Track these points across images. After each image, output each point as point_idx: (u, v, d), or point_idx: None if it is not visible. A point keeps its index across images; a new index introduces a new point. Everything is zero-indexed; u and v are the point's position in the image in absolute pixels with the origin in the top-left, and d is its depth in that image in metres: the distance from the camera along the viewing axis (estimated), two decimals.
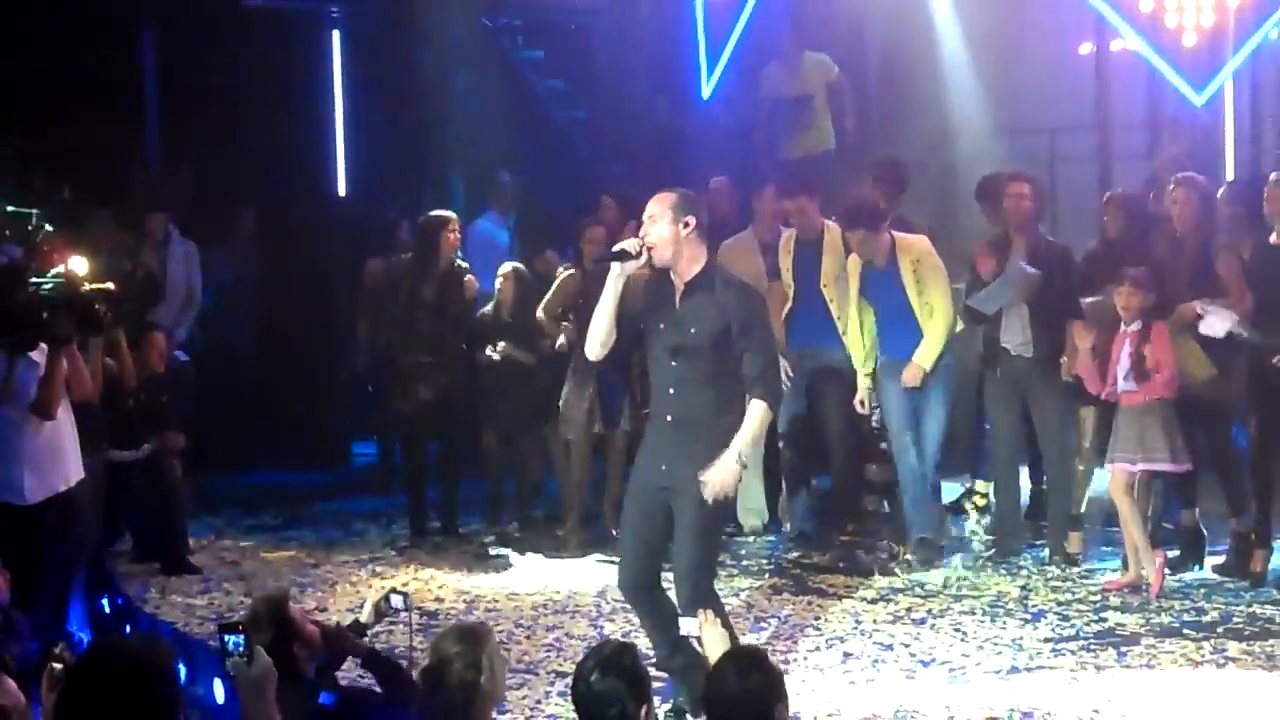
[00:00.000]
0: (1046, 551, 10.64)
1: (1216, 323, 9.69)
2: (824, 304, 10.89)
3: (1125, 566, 10.01)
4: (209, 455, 12.47)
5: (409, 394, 11.82)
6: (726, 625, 7.36)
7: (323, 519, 12.69)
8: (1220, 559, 10.18)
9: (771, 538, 11.46)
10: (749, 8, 14.35)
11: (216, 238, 13.50)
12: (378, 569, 11.03)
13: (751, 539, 11.42)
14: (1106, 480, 10.21)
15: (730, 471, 7.38)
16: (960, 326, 10.71)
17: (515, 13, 15.06)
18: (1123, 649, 8.73)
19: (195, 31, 13.61)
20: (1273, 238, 9.87)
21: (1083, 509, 10.70)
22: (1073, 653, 8.71)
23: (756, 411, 7.47)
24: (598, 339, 7.64)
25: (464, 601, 10.09)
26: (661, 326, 7.58)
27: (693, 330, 7.48)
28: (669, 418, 7.58)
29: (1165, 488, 10.27)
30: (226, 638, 4.99)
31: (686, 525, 7.47)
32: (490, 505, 12.13)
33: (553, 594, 10.25)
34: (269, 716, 5.02)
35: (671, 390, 7.57)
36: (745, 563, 10.86)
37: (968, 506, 11.73)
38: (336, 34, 14.81)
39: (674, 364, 7.54)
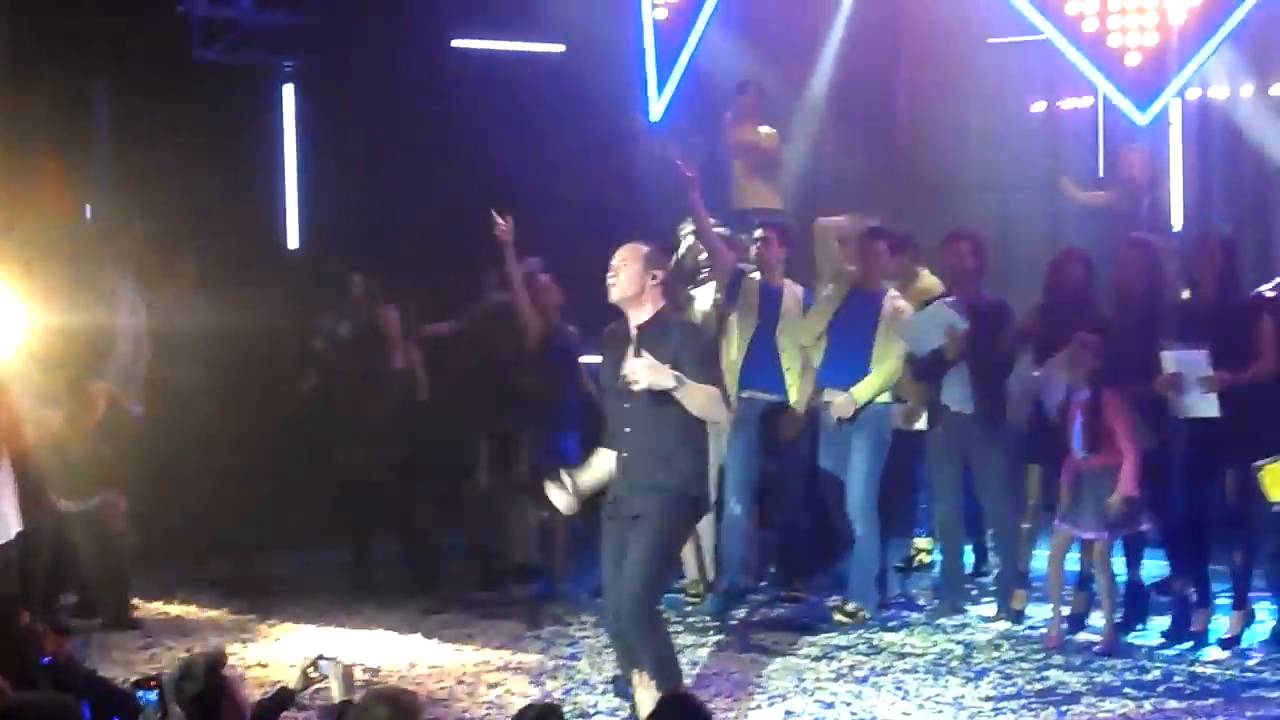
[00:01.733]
0: (992, 609, 10.63)
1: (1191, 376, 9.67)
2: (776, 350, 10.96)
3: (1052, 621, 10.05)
4: (155, 508, 12.41)
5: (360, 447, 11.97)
6: (671, 656, 7.91)
7: (270, 574, 12.61)
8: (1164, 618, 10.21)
9: (717, 596, 11.43)
10: (697, 30, 14.35)
11: (160, 283, 13.43)
12: (322, 624, 10.97)
13: (696, 597, 11.39)
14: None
15: (661, 373, 7.63)
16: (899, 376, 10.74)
17: (464, 62, 15.04)
18: (1063, 707, 8.72)
19: (146, 84, 13.57)
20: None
21: (1027, 566, 10.68)
22: (1014, 711, 8.69)
23: (711, 388, 7.83)
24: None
25: (406, 659, 10.03)
26: (616, 370, 7.84)
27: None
28: (624, 454, 7.92)
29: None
30: (140, 693, 4.97)
31: (637, 546, 7.80)
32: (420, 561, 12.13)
33: (495, 651, 10.20)
34: None
35: (628, 429, 7.91)
36: (690, 619, 10.83)
37: (913, 564, 11.74)
38: (289, 88, 14.80)
39: (629, 405, 7.84)
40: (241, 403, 13.91)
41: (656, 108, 14.59)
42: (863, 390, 10.57)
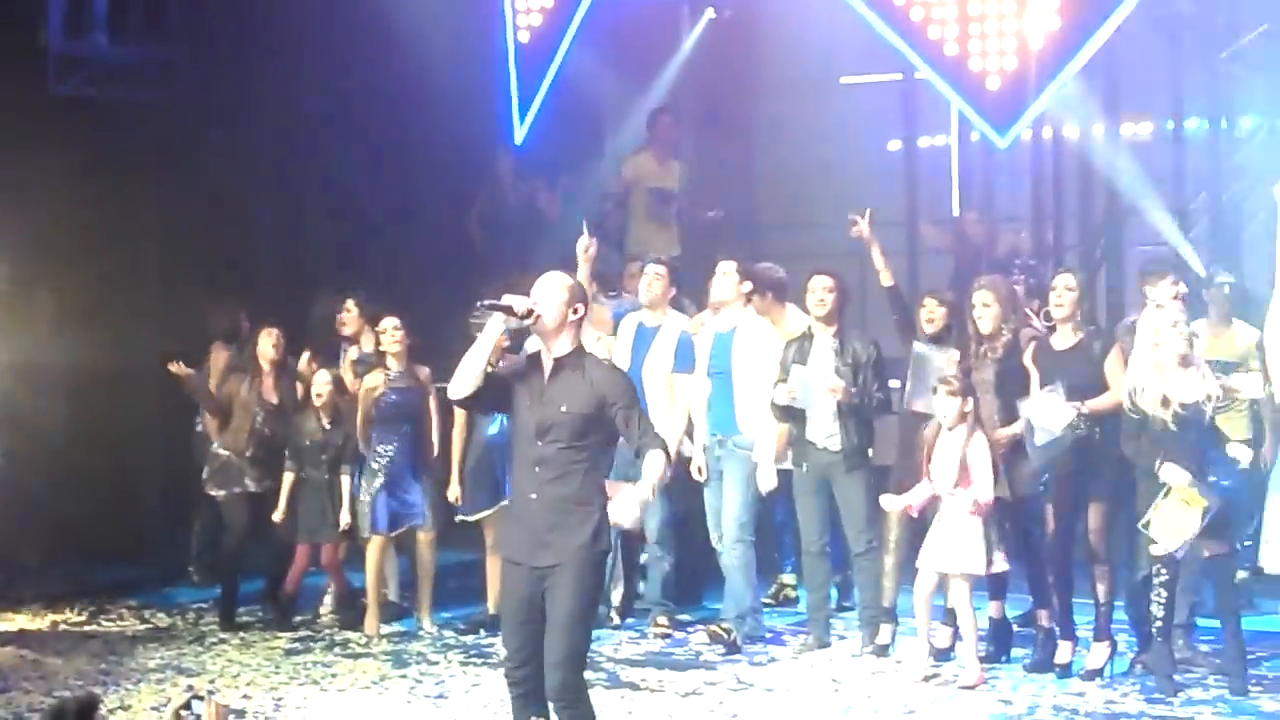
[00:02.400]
0: (857, 644, 10.71)
1: (1053, 415, 9.77)
2: None
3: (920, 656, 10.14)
4: (11, 548, 12.24)
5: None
6: (589, 709, 7.48)
7: (128, 615, 12.45)
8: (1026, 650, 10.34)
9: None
10: (561, 52, 14.40)
11: (14, 322, 13.25)
12: (185, 665, 10.83)
13: None
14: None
15: (639, 502, 7.40)
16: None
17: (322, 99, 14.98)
18: None
19: (3, 117, 13.38)
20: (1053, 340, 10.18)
21: (891, 601, 10.76)
22: None
23: (657, 458, 7.44)
24: (463, 381, 7.54)
25: (272, 699, 9.93)
26: (528, 404, 7.53)
27: (563, 408, 7.46)
28: (533, 496, 7.51)
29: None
30: None
31: (560, 611, 7.40)
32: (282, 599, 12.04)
33: (361, 690, 10.13)
34: None
35: (537, 469, 7.50)
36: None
37: (779, 599, 11.82)
38: (146, 121, 14.62)
39: (539, 443, 7.47)
40: (100, 441, 13.78)
41: (520, 131, 14.62)
42: (771, 449, 10.83)
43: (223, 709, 6.84)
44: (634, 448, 7.51)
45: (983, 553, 9.83)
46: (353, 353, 12.33)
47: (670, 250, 13.88)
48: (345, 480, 11.80)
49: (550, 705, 7.45)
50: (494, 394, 7.65)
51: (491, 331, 7.53)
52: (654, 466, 7.44)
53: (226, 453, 12.07)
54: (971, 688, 9.76)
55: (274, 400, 12.11)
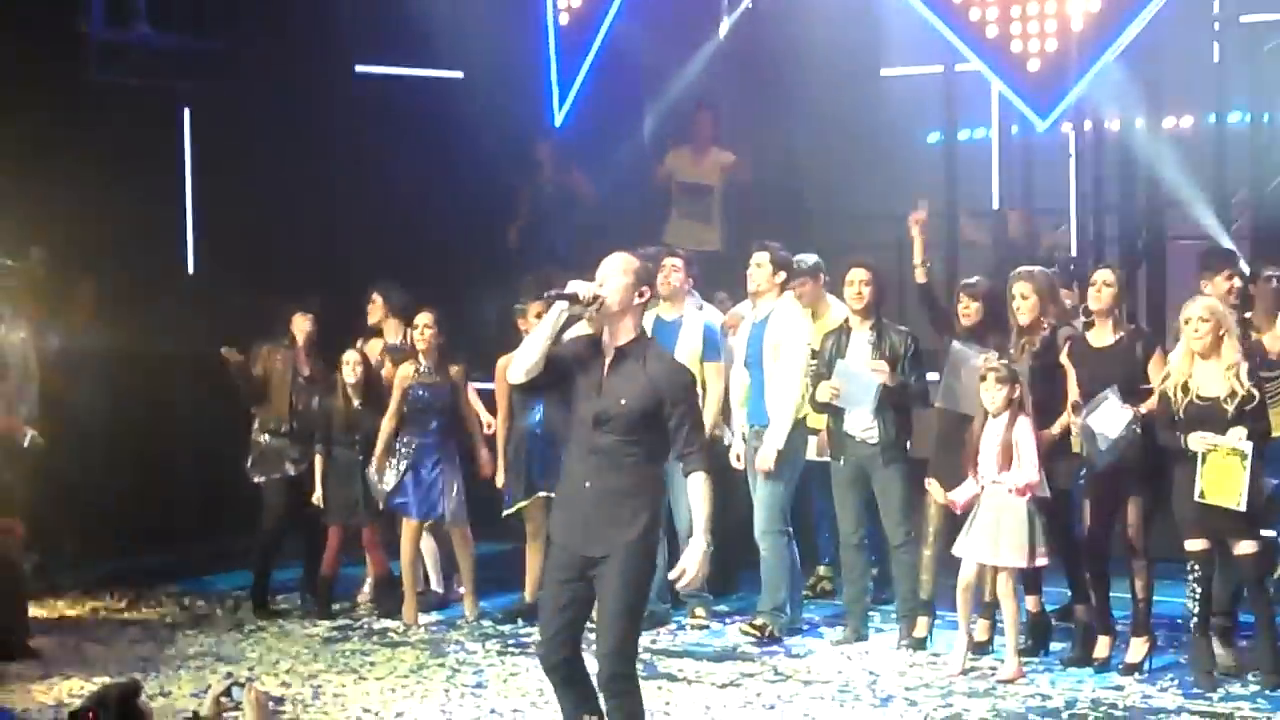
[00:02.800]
0: (894, 636, 10.71)
1: (1111, 421, 9.73)
2: None
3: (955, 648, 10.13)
4: (51, 535, 12.29)
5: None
6: (636, 707, 7.42)
7: (168, 602, 12.51)
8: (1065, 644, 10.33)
9: None
10: (601, 35, 14.43)
11: (55, 309, 13.30)
12: (224, 652, 10.89)
13: None
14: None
15: (702, 555, 7.29)
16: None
17: (365, 88, 15.01)
18: None
19: (44, 105, 13.44)
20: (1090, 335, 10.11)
21: (929, 594, 10.75)
22: None
23: (704, 486, 7.35)
24: (524, 366, 7.45)
25: (310, 687, 9.96)
26: (587, 392, 7.41)
27: (622, 401, 7.33)
28: (587, 484, 7.41)
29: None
30: None
31: (611, 602, 7.32)
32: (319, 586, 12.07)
33: (400, 679, 10.16)
34: None
35: (593, 457, 7.40)
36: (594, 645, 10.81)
37: (816, 591, 11.82)
38: (187, 110, 14.70)
39: (597, 431, 7.36)
40: (140, 428, 13.83)
41: (560, 114, 14.65)
42: (778, 435, 10.72)
43: (263, 695, 6.87)
44: (678, 455, 7.41)
45: (1027, 544, 9.81)
46: (374, 345, 12.34)
47: (708, 245, 13.89)
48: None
49: (600, 696, 7.41)
50: (554, 378, 7.52)
51: (553, 317, 7.41)
52: (701, 501, 7.36)
53: (267, 438, 12.11)
54: (1010, 681, 9.74)
55: (307, 372, 12.15)
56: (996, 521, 9.86)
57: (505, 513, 11.56)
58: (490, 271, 14.21)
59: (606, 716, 7.43)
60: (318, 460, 11.87)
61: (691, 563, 7.31)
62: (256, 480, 12.14)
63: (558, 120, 14.72)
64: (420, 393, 11.62)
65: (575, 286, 7.40)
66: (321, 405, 11.93)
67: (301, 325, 12.18)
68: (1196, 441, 9.32)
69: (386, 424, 11.63)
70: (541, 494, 11.29)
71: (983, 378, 9.96)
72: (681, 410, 7.37)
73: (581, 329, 8.07)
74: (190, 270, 14.89)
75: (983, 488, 9.91)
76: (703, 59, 14.92)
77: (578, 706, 7.52)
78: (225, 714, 7.04)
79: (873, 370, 10.46)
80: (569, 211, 14.62)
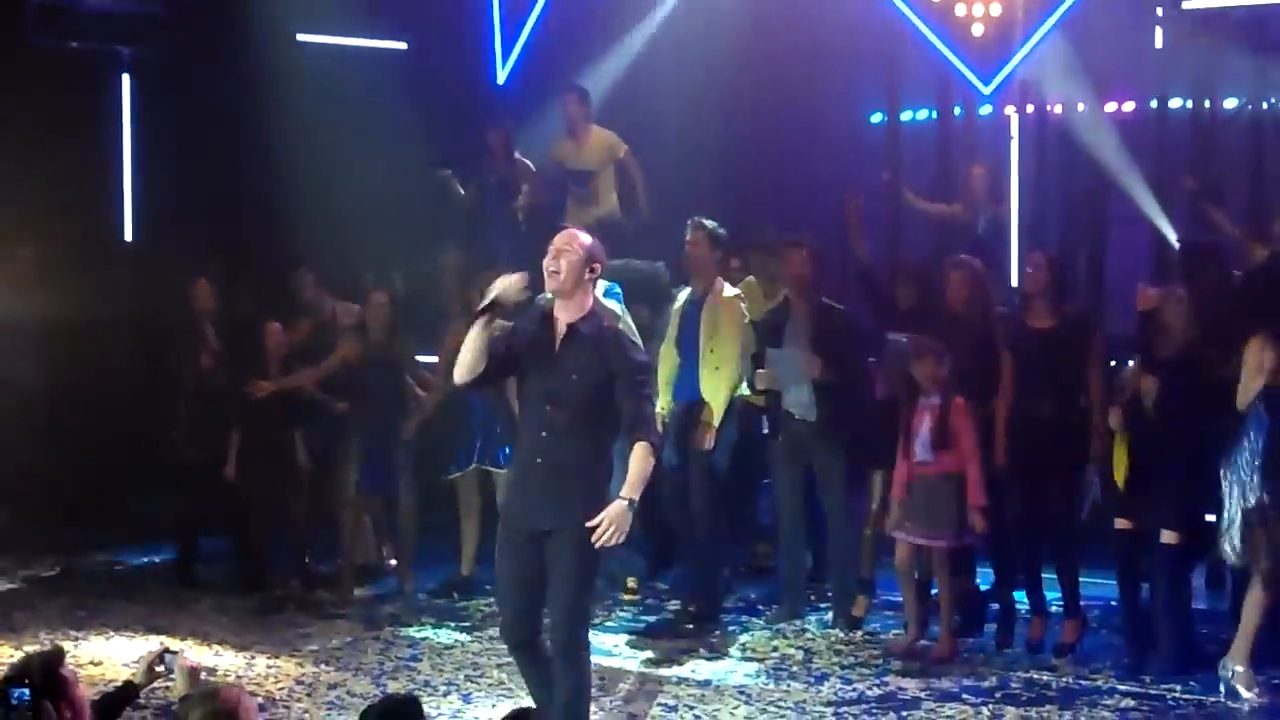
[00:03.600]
0: (830, 614, 10.72)
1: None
2: None
3: (907, 630, 10.12)
4: None
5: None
6: (586, 691, 7.50)
7: (99, 570, 12.42)
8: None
9: None
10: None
11: None
12: (156, 623, 10.82)
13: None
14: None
15: (623, 514, 7.22)
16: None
17: (307, 57, 14.89)
18: (903, 712, 8.83)
19: None
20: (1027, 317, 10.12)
21: (868, 573, 10.75)
22: (855, 716, 8.80)
23: (641, 453, 7.31)
24: (465, 371, 7.47)
25: (244, 659, 9.91)
26: (539, 370, 7.45)
27: (574, 376, 7.37)
28: (539, 460, 7.44)
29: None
30: (12, 690, 4.87)
31: (563, 571, 7.35)
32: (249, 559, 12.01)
33: (334, 651, 10.11)
34: None
35: (544, 434, 7.43)
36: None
37: (753, 568, 11.82)
38: (127, 77, 14.56)
39: (549, 408, 7.40)
40: (76, 396, 13.72)
41: (502, 73, 14.57)
42: (716, 415, 10.68)
43: (195, 664, 6.79)
44: (626, 429, 7.40)
45: (958, 523, 9.84)
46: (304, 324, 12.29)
47: (603, 214, 13.81)
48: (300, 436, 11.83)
49: (554, 663, 7.46)
50: (501, 370, 7.60)
51: (480, 327, 7.40)
52: (637, 464, 7.32)
53: (196, 412, 12.01)
54: (944, 660, 9.77)
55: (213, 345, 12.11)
56: (929, 501, 9.88)
57: (446, 478, 11.57)
58: (427, 246, 14.11)
59: (556, 684, 7.46)
60: (234, 436, 11.78)
61: (611, 515, 7.20)
62: (182, 451, 12.03)
63: (500, 78, 14.64)
64: (368, 369, 11.57)
65: (497, 291, 7.42)
66: (242, 381, 11.84)
67: (203, 296, 12.10)
68: (1113, 419, 9.42)
69: (308, 382, 11.60)
70: (478, 466, 11.30)
71: (916, 357, 9.97)
72: (628, 383, 7.37)
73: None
74: (128, 238, 14.74)
75: (915, 468, 9.92)
76: (642, 38, 14.84)
77: (543, 683, 7.56)
78: (158, 682, 6.95)
79: (807, 368, 10.43)
80: (510, 203, 14.49)
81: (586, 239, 7.53)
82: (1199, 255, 10.45)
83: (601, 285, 10.81)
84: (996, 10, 12.61)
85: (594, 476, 7.44)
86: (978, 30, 12.68)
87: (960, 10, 12.73)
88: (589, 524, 7.22)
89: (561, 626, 7.39)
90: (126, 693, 6.82)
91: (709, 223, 10.96)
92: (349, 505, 11.71)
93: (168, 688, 7.21)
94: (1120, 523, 9.49)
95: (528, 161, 14.09)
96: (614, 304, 10.42)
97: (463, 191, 14.20)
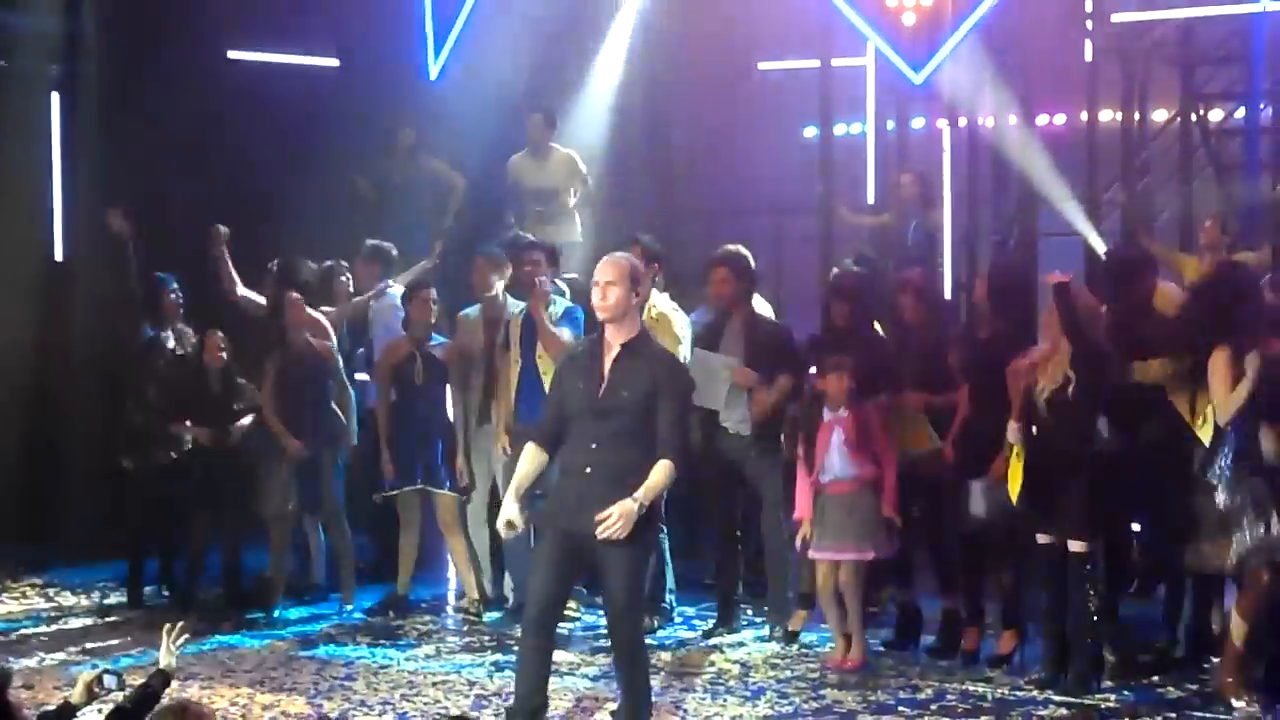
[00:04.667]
0: (766, 629, 10.72)
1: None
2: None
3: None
4: None
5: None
6: (648, 678, 8.10)
7: (32, 593, 12.33)
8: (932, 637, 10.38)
9: (497, 614, 11.40)
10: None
11: None
12: (89, 645, 10.74)
13: (475, 615, 11.38)
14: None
15: (630, 512, 7.57)
16: None
17: (238, 74, 14.82)
18: None
19: None
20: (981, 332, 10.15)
21: (808, 587, 10.65)
22: None
23: (663, 468, 7.72)
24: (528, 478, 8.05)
25: (177, 681, 9.79)
26: (590, 388, 7.82)
27: (624, 393, 7.75)
28: (589, 470, 7.79)
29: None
30: None
31: (619, 568, 7.75)
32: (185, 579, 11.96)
33: (269, 671, 10.06)
34: None
35: (594, 445, 7.80)
36: (466, 639, 10.79)
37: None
38: (55, 95, 14.45)
39: (600, 422, 7.78)
40: (10, 415, 13.61)
41: (434, 68, 14.55)
42: None
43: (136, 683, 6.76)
44: (658, 444, 7.75)
45: (879, 533, 9.88)
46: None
47: (570, 239, 13.83)
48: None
49: (618, 664, 8.08)
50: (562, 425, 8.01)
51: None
52: (659, 477, 7.71)
53: (139, 419, 11.92)
54: (855, 668, 9.82)
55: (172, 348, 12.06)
56: (847, 515, 9.91)
57: (380, 495, 11.54)
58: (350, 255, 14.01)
59: (623, 684, 8.05)
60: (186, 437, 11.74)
61: (620, 509, 7.57)
62: (125, 465, 11.95)
63: (432, 74, 14.60)
64: (294, 372, 11.58)
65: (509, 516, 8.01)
66: (187, 385, 11.79)
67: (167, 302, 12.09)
68: (1011, 433, 9.45)
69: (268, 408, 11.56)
70: (419, 486, 11.29)
71: (822, 374, 10.00)
72: (671, 405, 7.78)
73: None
74: (59, 257, 14.62)
75: (829, 485, 9.94)
76: (579, 41, 14.83)
77: (542, 679, 7.96)
78: (96, 701, 6.91)
79: (724, 369, 10.44)
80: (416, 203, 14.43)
81: (626, 263, 7.92)
82: (1129, 265, 10.45)
83: (561, 304, 10.90)
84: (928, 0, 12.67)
85: (639, 483, 7.72)
86: (908, 20, 12.74)
87: (891, 1, 12.79)
88: (598, 517, 7.58)
89: (623, 629, 7.88)
90: (63, 712, 6.78)
91: (644, 236, 11.03)
92: (278, 520, 11.65)
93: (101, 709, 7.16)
94: (1040, 537, 9.48)
95: (436, 161, 14.17)
96: (566, 331, 10.48)
97: (368, 194, 14.25)
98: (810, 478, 10.00)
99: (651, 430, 7.76)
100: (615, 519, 7.56)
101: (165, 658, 6.86)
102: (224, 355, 11.66)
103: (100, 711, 7.19)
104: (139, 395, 11.91)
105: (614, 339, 7.85)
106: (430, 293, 11.51)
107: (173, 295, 12.15)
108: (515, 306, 11.29)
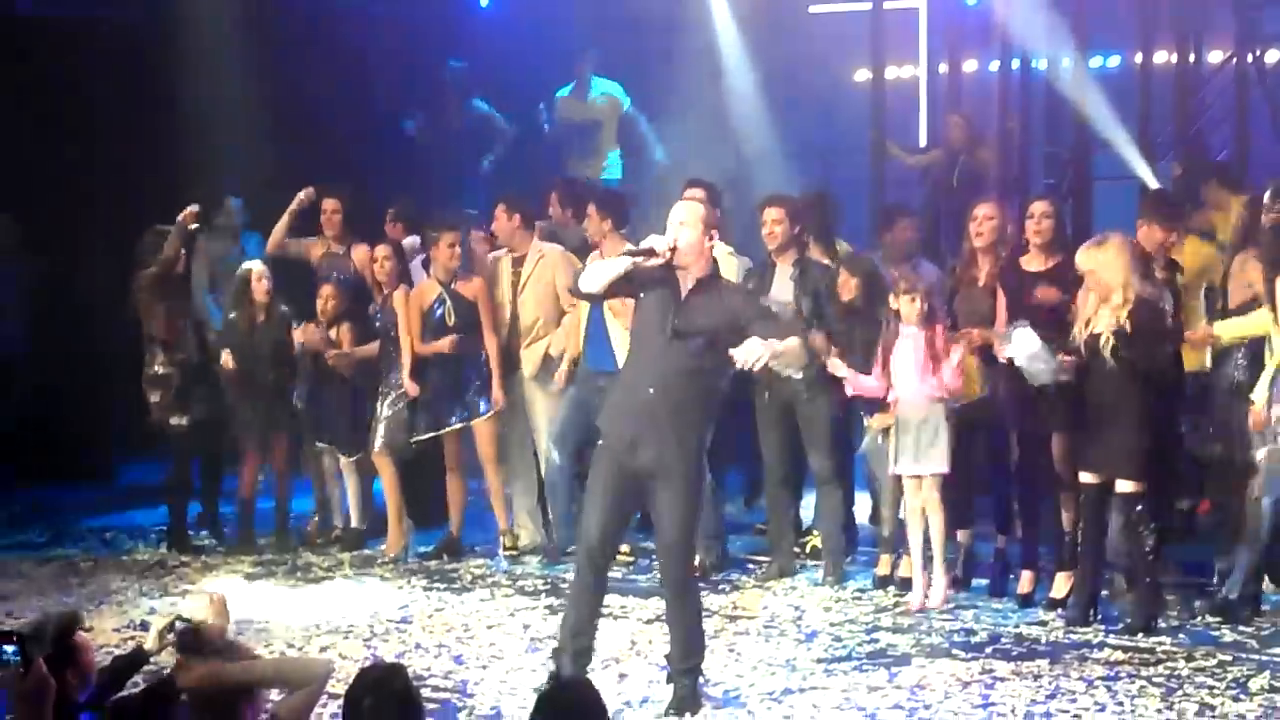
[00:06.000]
0: (820, 573, 10.73)
1: (1020, 346, 9.69)
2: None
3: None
4: None
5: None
6: (699, 605, 8.26)
7: (89, 535, 12.42)
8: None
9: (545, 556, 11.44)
10: None
11: None
12: (144, 587, 10.82)
13: (527, 558, 11.42)
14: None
15: (760, 348, 7.59)
16: None
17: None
18: (894, 669, 8.83)
19: None
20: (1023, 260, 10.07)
21: (888, 531, 10.62)
22: (845, 673, 8.79)
23: (796, 340, 7.82)
24: (598, 283, 8.02)
25: (234, 622, 9.85)
26: (665, 307, 7.88)
27: (700, 319, 7.84)
28: (651, 390, 7.86)
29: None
30: (2, 646, 4.88)
31: (671, 504, 7.85)
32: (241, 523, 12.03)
33: (324, 614, 10.11)
34: None
35: (661, 365, 7.88)
36: (520, 582, 10.82)
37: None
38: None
39: (673, 343, 7.84)
40: (65, 362, 13.69)
41: None
42: None
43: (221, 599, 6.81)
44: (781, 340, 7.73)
45: (948, 451, 9.88)
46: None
47: (610, 176, 13.87)
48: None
49: (669, 597, 8.15)
50: (614, 292, 8.11)
51: (624, 262, 7.98)
52: (791, 343, 7.75)
53: (165, 370, 11.89)
54: (934, 609, 9.82)
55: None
56: (917, 433, 9.90)
57: (416, 438, 11.53)
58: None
59: (673, 619, 8.12)
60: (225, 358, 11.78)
61: (755, 344, 7.61)
62: (161, 418, 11.96)
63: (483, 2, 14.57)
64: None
65: (651, 242, 8.01)
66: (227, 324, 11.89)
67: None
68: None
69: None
70: (454, 426, 11.34)
71: (898, 292, 9.97)
72: (758, 318, 7.88)
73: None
74: (107, 204, 14.60)
75: (902, 404, 9.94)
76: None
77: (594, 612, 8.19)
78: (168, 646, 6.97)
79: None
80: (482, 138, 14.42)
81: (703, 210, 8.02)
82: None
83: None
84: None
85: (701, 420, 7.92)
86: None
87: None
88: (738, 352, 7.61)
89: (673, 564, 7.97)
90: (136, 659, 6.85)
91: (705, 182, 10.98)
92: (318, 461, 11.80)
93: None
94: (1085, 477, 9.46)
95: (488, 110, 14.17)
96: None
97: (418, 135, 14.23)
98: (885, 383, 9.98)
99: (715, 366, 7.84)
100: (750, 352, 7.56)
101: (152, 642, 6.86)
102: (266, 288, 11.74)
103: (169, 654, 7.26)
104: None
105: (687, 275, 7.92)
106: (454, 236, 11.52)
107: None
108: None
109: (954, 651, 9.14)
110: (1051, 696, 8.32)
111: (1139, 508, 9.30)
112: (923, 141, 14.85)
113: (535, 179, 12.93)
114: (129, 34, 14.03)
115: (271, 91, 14.13)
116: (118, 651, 7.28)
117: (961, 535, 10.40)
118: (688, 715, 8.02)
